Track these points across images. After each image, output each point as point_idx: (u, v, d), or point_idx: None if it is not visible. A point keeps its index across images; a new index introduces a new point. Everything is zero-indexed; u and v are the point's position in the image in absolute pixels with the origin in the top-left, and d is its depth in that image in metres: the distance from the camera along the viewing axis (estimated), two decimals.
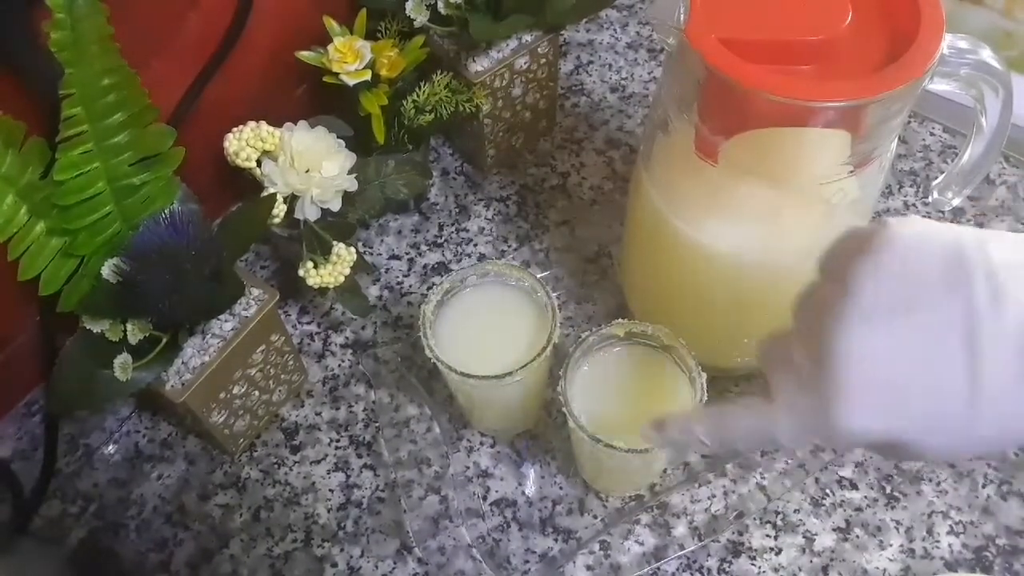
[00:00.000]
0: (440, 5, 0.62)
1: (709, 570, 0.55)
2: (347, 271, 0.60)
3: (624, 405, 0.53)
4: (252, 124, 0.57)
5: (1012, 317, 0.31)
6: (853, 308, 0.33)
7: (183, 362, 0.53)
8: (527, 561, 0.56)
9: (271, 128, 0.58)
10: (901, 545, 0.56)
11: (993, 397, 0.32)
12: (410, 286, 0.69)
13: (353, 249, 0.60)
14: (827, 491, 0.58)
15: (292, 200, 0.59)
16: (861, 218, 0.53)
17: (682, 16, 0.42)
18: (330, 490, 0.60)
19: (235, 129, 0.57)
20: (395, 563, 0.57)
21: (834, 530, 0.56)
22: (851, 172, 0.46)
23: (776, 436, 0.36)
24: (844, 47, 0.43)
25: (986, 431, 0.32)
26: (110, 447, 0.62)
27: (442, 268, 0.69)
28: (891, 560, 0.55)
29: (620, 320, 0.53)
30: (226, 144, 0.57)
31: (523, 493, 0.59)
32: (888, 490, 0.58)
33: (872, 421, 0.33)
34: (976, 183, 0.50)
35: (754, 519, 0.57)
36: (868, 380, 0.33)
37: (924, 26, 0.41)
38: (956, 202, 0.51)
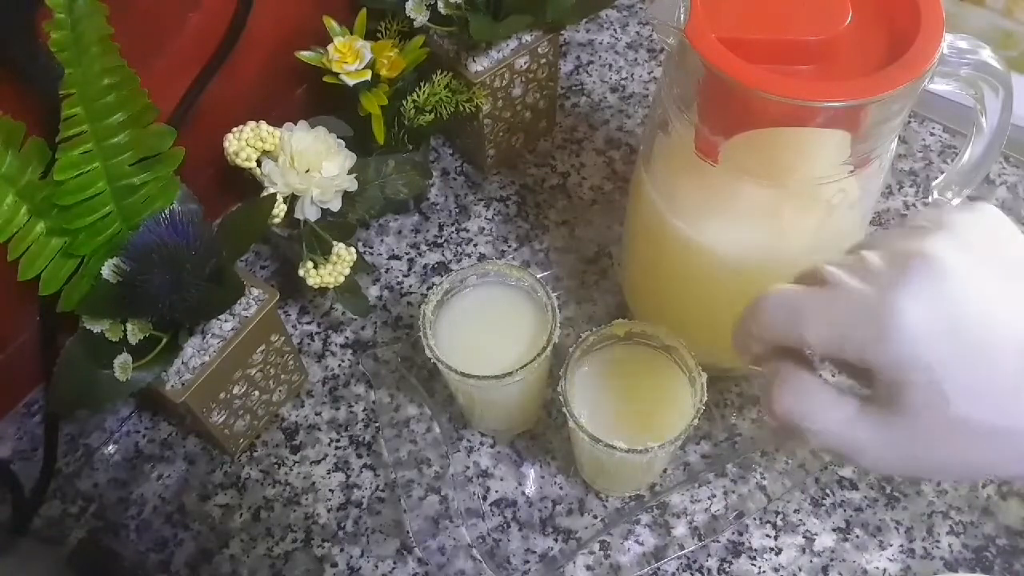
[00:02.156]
0: (440, 5, 0.62)
1: (709, 570, 0.55)
2: (347, 271, 0.60)
3: (624, 405, 0.53)
4: (252, 124, 0.57)
5: None
6: (947, 237, 0.33)
7: (183, 362, 0.53)
8: (527, 561, 0.56)
9: (271, 128, 0.57)
10: (901, 545, 0.56)
11: None
12: (410, 286, 0.69)
13: (353, 249, 0.60)
14: (827, 491, 0.58)
15: (292, 200, 0.59)
16: (861, 218, 0.53)
17: (682, 16, 0.42)
18: (330, 490, 0.60)
19: (235, 129, 0.57)
20: (395, 563, 0.57)
21: (834, 530, 0.56)
22: (851, 172, 0.46)
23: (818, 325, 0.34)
24: (844, 47, 0.43)
25: None
26: (110, 447, 0.62)
27: (442, 268, 0.69)
28: (891, 560, 0.55)
29: (620, 320, 0.53)
30: (226, 144, 0.57)
31: (523, 493, 0.59)
32: (888, 490, 0.58)
33: (925, 323, 0.31)
34: (976, 183, 0.50)
35: (754, 519, 0.57)
36: (940, 290, 0.31)
37: (924, 26, 0.41)
38: (956, 202, 0.51)
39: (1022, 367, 0.31)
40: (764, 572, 0.55)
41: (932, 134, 0.75)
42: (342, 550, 0.57)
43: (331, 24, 0.61)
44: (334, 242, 0.60)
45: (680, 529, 0.57)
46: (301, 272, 0.60)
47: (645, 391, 0.53)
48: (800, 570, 0.55)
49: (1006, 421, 0.32)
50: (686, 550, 0.56)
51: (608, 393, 0.53)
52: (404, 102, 0.63)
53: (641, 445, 0.48)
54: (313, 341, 0.66)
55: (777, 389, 0.36)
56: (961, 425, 0.32)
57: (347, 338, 0.66)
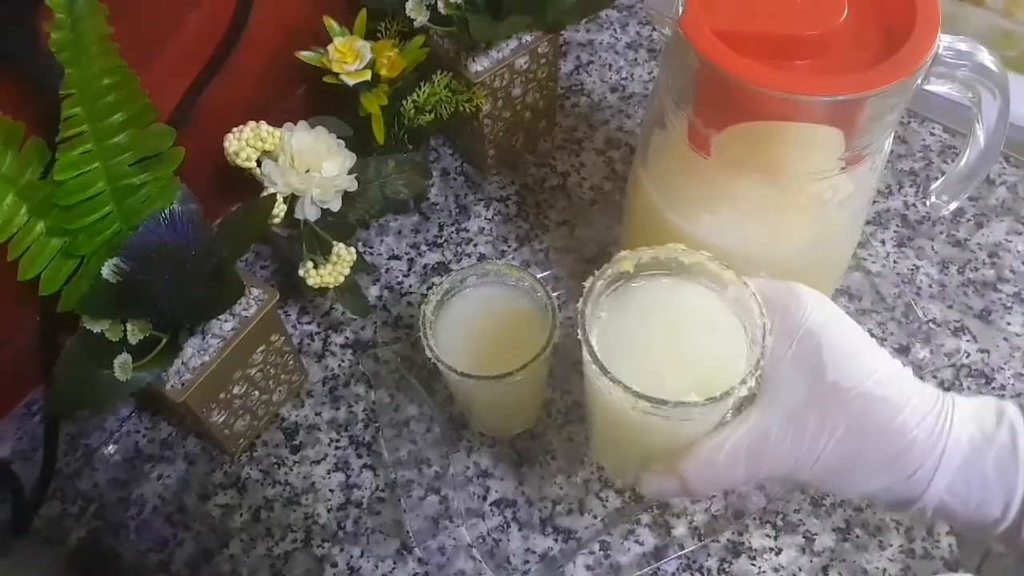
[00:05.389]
0: (440, 5, 0.62)
1: (709, 570, 0.55)
2: (347, 271, 0.60)
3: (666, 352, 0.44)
4: (252, 124, 0.57)
5: None
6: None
7: (183, 362, 0.53)
8: (527, 561, 0.56)
9: (271, 128, 0.58)
10: (901, 545, 0.56)
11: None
12: (410, 286, 0.69)
13: (353, 249, 0.60)
14: None
15: (292, 200, 0.59)
16: (853, 217, 0.53)
17: (680, 7, 0.43)
18: (330, 490, 0.60)
19: (235, 129, 0.57)
20: (395, 563, 0.57)
21: (834, 530, 0.56)
22: (843, 169, 0.46)
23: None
24: (839, 43, 0.43)
25: None
26: (110, 447, 0.62)
27: (442, 268, 0.69)
28: (891, 560, 0.55)
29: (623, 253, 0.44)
30: (226, 144, 0.57)
31: (523, 493, 0.59)
32: None
33: (816, 297, 0.42)
34: (973, 188, 0.50)
35: (754, 519, 0.57)
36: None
37: (919, 24, 0.41)
38: (953, 207, 0.51)
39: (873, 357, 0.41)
40: (764, 572, 0.55)
41: (932, 134, 0.75)
42: (342, 550, 0.57)
43: (331, 24, 0.61)
44: (334, 242, 0.60)
45: (680, 529, 0.57)
46: (301, 272, 0.60)
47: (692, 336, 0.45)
48: (800, 570, 0.55)
49: (863, 388, 0.40)
50: (686, 550, 0.56)
51: (645, 341, 0.44)
52: (404, 102, 0.63)
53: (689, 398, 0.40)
54: (313, 341, 0.66)
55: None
56: (836, 393, 0.40)
57: (347, 338, 0.66)
